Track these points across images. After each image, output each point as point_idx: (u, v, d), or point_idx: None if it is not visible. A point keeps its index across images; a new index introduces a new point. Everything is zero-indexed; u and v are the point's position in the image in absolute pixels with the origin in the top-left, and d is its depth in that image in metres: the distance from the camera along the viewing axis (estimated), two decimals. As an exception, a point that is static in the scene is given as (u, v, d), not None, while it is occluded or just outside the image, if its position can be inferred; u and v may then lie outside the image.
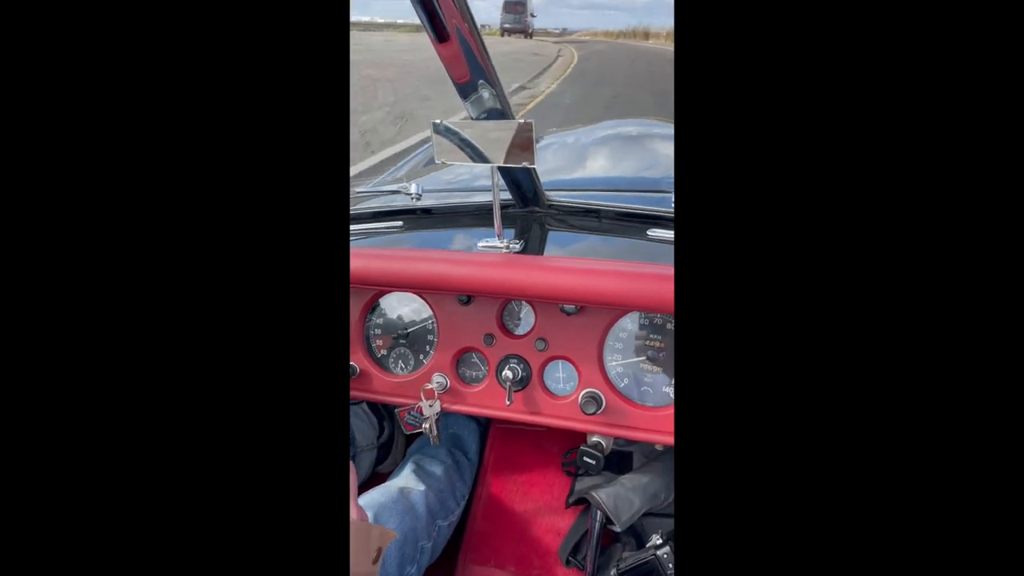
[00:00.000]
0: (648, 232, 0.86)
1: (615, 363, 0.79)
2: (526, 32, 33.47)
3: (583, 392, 0.78)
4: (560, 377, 0.82)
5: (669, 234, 0.85)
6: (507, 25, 33.95)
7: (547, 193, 0.95)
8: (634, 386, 0.79)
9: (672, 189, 0.89)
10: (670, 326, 0.76)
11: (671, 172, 1.37)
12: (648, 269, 0.69)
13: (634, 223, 0.90)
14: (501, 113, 0.72)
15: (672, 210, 0.88)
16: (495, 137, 0.71)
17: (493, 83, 0.67)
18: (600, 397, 0.78)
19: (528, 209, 0.97)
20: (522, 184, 0.91)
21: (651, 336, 0.77)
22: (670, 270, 0.69)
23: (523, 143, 0.70)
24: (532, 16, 35.27)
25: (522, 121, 0.69)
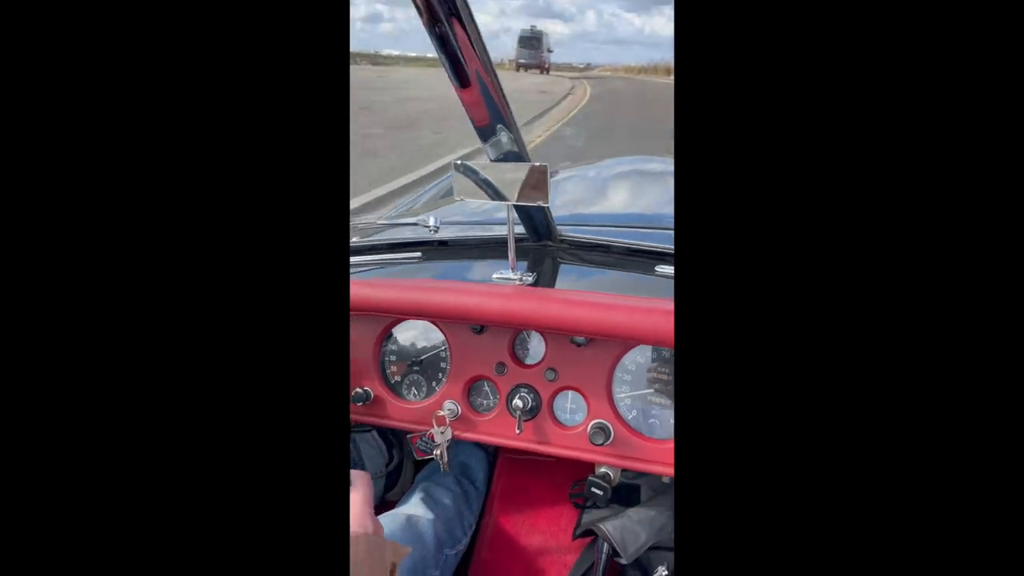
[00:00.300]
0: (656, 268, 0.90)
1: (624, 395, 0.82)
2: (542, 68, 32.89)
3: (592, 423, 0.81)
4: (569, 408, 0.84)
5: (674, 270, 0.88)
6: (522, 60, 33.28)
7: (559, 228, 1.00)
8: (642, 418, 0.81)
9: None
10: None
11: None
12: (656, 304, 0.73)
13: (643, 259, 0.94)
14: (518, 155, 0.77)
15: None
16: (511, 177, 0.76)
17: (511, 126, 0.72)
18: (608, 428, 0.80)
19: (541, 243, 1.01)
20: (535, 220, 0.96)
21: (659, 369, 0.80)
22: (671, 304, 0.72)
23: (537, 184, 0.75)
24: (549, 51, 34.65)
25: (537, 164, 0.74)
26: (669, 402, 0.80)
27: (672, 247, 0.93)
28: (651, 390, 0.81)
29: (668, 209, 1.42)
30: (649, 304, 0.73)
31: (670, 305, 0.72)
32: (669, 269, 0.89)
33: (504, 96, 0.68)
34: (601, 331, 0.72)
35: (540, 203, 0.75)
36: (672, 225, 1.03)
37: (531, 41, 32.98)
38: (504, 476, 1.12)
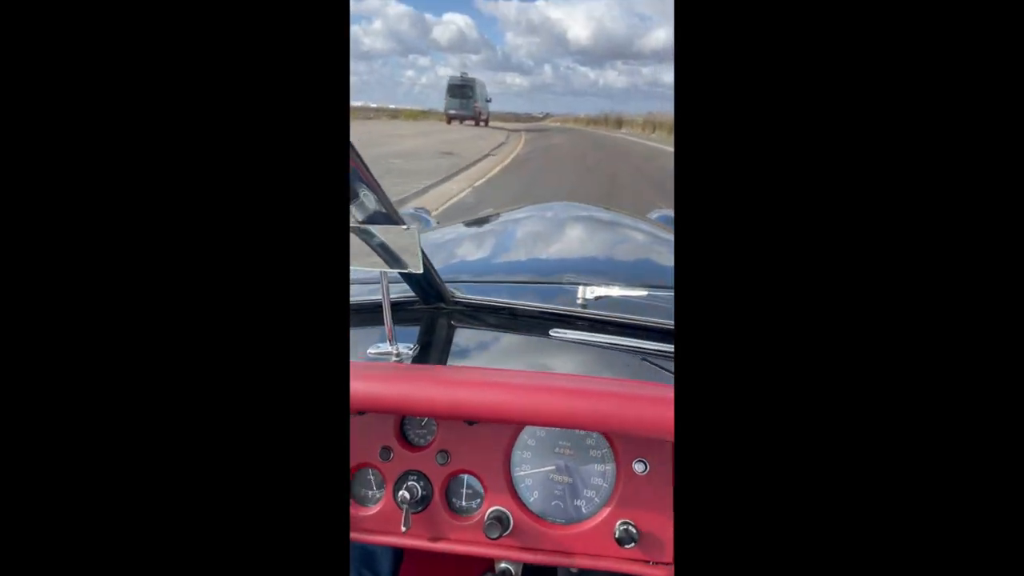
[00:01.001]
0: (551, 332, 0.85)
1: (523, 473, 0.74)
2: (477, 119, 28.48)
3: (489, 511, 0.72)
4: (464, 493, 0.75)
5: (570, 334, 0.84)
6: (452, 111, 28.01)
7: (451, 288, 0.93)
8: (544, 500, 0.73)
9: (575, 282, 0.90)
10: (579, 431, 0.73)
11: (579, 257, 1.41)
12: (547, 381, 0.67)
13: (539, 321, 0.89)
14: (387, 217, 0.71)
15: (573, 309, 0.88)
16: (380, 241, 0.69)
17: (372, 188, 0.66)
18: (507, 517, 0.72)
19: (433, 306, 0.94)
20: (421, 282, 0.89)
21: (560, 443, 0.74)
22: (570, 382, 0.67)
23: (409, 248, 0.68)
24: (487, 101, 30.49)
25: (406, 227, 0.68)
26: (570, 480, 0.73)
27: (566, 309, 0.89)
28: (552, 467, 0.74)
29: (575, 254, 1.41)
30: (540, 381, 0.67)
31: (563, 381, 0.67)
32: (563, 333, 0.85)
33: (359, 155, 0.62)
34: (487, 416, 0.65)
35: (412, 270, 0.69)
36: (572, 280, 0.99)
37: (462, 90, 28.12)
38: (413, 564, 1.00)
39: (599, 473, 0.72)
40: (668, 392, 0.64)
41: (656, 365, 0.79)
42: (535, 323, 0.88)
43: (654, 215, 2.33)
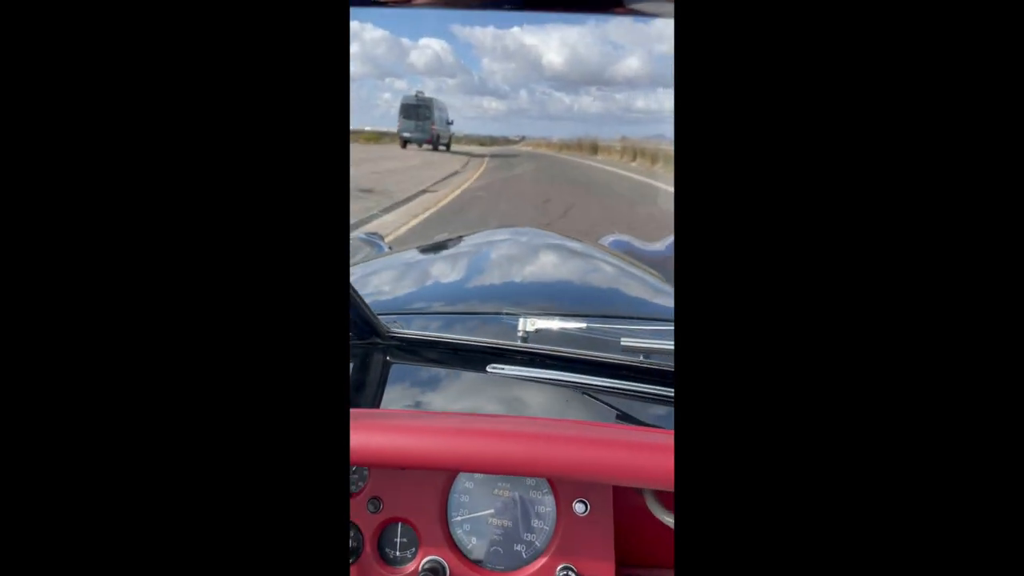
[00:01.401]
0: (488, 368, 0.83)
1: (461, 519, 0.71)
2: (436, 143, 23.57)
3: (424, 561, 0.69)
4: (398, 543, 0.71)
5: (508, 369, 0.82)
6: (405, 134, 22.75)
7: (388, 321, 0.90)
8: (484, 546, 0.70)
9: (516, 313, 0.89)
10: None
11: (530, 285, 1.40)
12: (484, 425, 0.65)
13: (480, 355, 0.87)
14: None
15: (512, 344, 0.87)
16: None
17: None
18: (443, 567, 0.68)
19: (368, 341, 0.91)
20: (352, 317, 0.86)
21: (499, 484, 0.71)
22: (508, 424, 0.65)
23: None
24: (449, 123, 25.70)
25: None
26: (510, 523, 0.70)
27: (506, 343, 0.88)
28: (491, 510, 0.71)
29: (528, 284, 1.40)
30: (476, 425, 0.64)
31: (499, 424, 0.65)
32: (501, 368, 0.83)
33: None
34: (419, 464, 0.62)
35: None
36: (514, 311, 0.98)
37: (416, 110, 23.13)
38: None
39: (539, 515, 0.70)
40: (607, 432, 0.63)
41: (597, 399, 0.78)
42: (475, 358, 0.86)
43: (607, 240, 2.35)
